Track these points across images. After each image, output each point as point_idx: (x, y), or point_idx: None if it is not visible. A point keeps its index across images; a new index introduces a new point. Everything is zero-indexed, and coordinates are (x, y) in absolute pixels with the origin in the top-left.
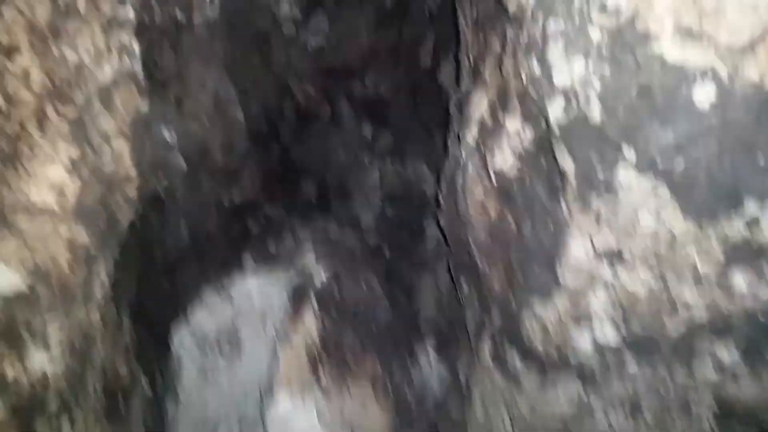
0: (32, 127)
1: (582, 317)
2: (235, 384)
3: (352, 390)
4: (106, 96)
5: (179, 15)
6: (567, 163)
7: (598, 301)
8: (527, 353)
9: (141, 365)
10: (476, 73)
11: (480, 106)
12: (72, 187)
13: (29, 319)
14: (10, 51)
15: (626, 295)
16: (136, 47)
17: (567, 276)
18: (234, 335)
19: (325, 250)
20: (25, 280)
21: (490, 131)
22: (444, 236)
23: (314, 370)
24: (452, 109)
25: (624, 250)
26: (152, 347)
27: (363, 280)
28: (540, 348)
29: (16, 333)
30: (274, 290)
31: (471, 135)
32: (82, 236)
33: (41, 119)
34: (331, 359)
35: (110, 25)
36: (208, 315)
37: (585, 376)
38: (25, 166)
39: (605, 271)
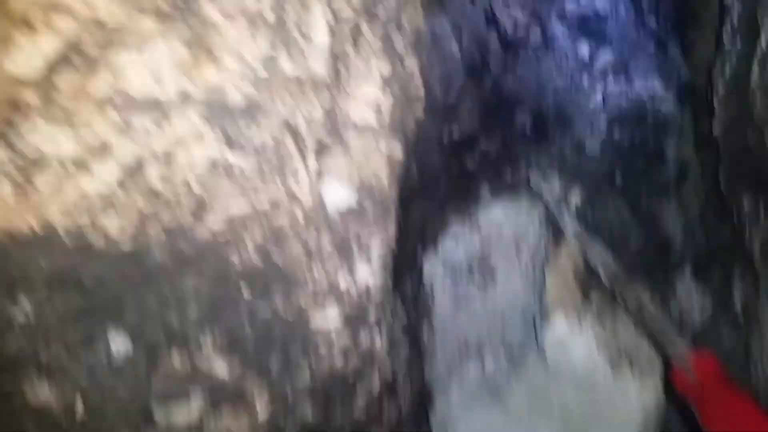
0: (350, 48)
1: None
2: (490, 310)
3: (622, 317)
4: (396, 14)
5: None
6: None
7: None
8: None
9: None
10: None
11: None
12: (386, 104)
13: (359, 233)
14: None
15: None
16: None
17: None
18: (485, 263)
19: (566, 171)
20: (354, 196)
21: None
22: (708, 151)
23: (585, 294)
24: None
25: None
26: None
27: (611, 205)
28: None
29: (347, 246)
30: (522, 218)
31: None
32: (398, 152)
33: (356, 38)
34: (597, 283)
35: None
36: (455, 245)
37: None
38: (347, 87)
39: None
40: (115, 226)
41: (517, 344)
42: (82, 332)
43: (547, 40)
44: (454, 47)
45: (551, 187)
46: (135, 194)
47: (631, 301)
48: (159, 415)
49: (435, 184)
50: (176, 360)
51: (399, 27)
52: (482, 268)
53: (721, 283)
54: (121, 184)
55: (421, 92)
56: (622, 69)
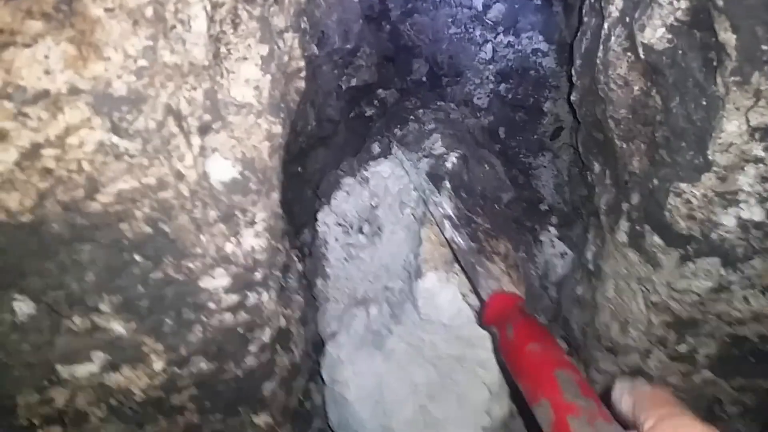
0: (228, 29)
1: (729, 194)
2: (377, 261)
3: (487, 266)
4: None
5: None
6: (727, 36)
7: (747, 178)
8: (667, 232)
9: (292, 246)
10: None
11: None
12: (265, 82)
13: (242, 201)
14: None
15: None
16: None
17: (717, 154)
18: (374, 218)
19: (448, 131)
20: (237, 168)
21: (638, 2)
22: (573, 114)
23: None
24: None
25: None
26: (297, 231)
27: (485, 161)
28: (682, 226)
29: (232, 214)
30: (407, 174)
31: (615, 7)
32: (276, 127)
33: (235, 21)
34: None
35: None
36: (347, 198)
37: (727, 253)
38: (226, 67)
39: (757, 147)
40: (15, 200)
41: (397, 295)
42: None
43: None
44: None
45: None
46: (32, 173)
47: (456, 246)
48: (63, 372)
49: (334, 131)
50: (77, 321)
51: (278, 2)
52: (370, 221)
53: (580, 238)
54: (19, 165)
55: (301, 63)
56: (511, 22)
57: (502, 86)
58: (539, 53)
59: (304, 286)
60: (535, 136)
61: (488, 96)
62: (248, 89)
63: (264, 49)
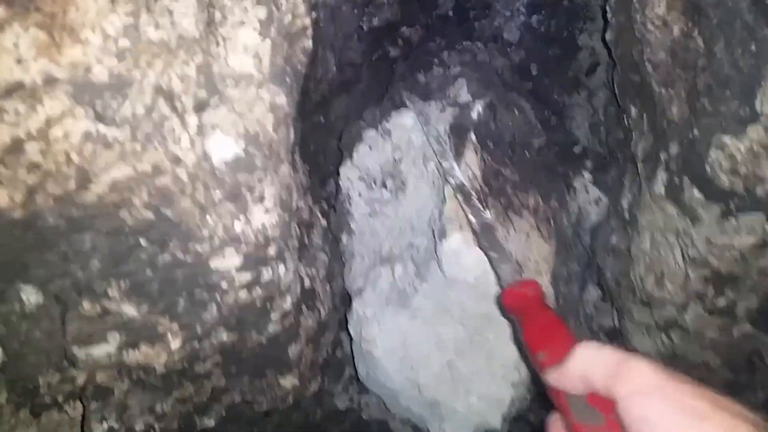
0: None
1: None
2: (401, 216)
3: (516, 223)
4: None
5: None
6: None
7: None
8: (708, 185)
9: (315, 201)
10: None
11: None
12: (264, 48)
13: (248, 179)
14: None
15: None
16: None
17: (766, 105)
18: (397, 171)
19: (475, 75)
20: (241, 145)
21: None
22: (609, 53)
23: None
24: None
25: None
26: (322, 183)
27: (515, 105)
28: (724, 180)
29: (238, 193)
30: (432, 125)
31: None
32: (281, 97)
33: None
34: (494, 194)
35: None
36: (369, 152)
37: None
38: (221, 34)
39: None
40: (3, 197)
41: (423, 252)
42: None
43: None
44: None
45: (455, 92)
46: (18, 168)
47: (476, 225)
48: (79, 355)
49: (357, 75)
50: (87, 306)
51: None
52: (394, 176)
53: (615, 183)
54: (2, 161)
55: (307, 21)
56: None
57: (534, 20)
58: None
59: (330, 241)
60: (570, 73)
61: (518, 31)
62: (247, 57)
63: (262, 12)
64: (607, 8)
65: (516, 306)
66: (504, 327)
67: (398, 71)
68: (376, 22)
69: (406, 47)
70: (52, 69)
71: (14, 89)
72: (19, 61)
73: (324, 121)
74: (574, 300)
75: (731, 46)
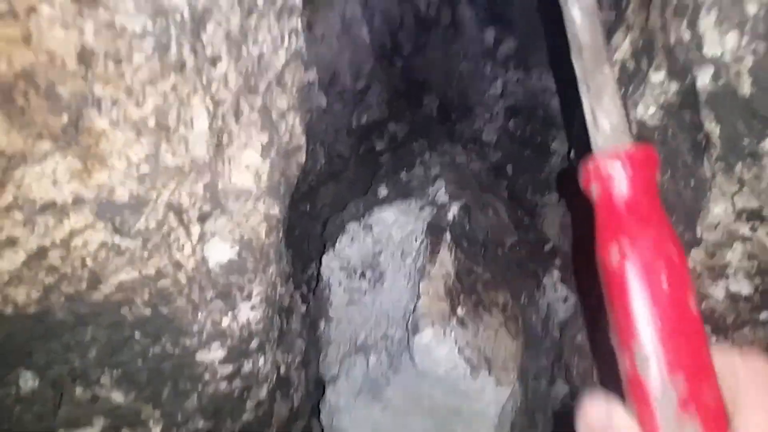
0: (231, 120)
1: (717, 268)
2: (378, 307)
3: (485, 319)
4: (280, 78)
5: None
6: (712, 126)
7: (735, 255)
8: None
9: (296, 287)
10: (617, 7)
11: (621, 47)
12: (264, 168)
13: (239, 279)
14: (213, 60)
15: (762, 249)
16: (301, 25)
17: (705, 232)
18: (376, 264)
19: (453, 177)
20: (235, 250)
21: (632, 76)
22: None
23: (452, 303)
24: None
25: (764, 210)
26: (303, 269)
27: (490, 206)
28: None
29: (228, 292)
30: (410, 223)
31: None
32: (274, 208)
33: (237, 112)
34: (465, 291)
35: (281, 13)
36: (350, 243)
37: (716, 322)
38: (227, 155)
39: (743, 227)
40: (22, 294)
41: (396, 344)
42: None
43: (456, 22)
44: (364, 32)
45: (434, 192)
46: (38, 270)
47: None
48: None
49: (344, 166)
50: (79, 392)
51: (281, 85)
52: (373, 268)
53: (583, 283)
54: (26, 264)
55: (302, 141)
56: (522, 58)
57: (512, 123)
58: (547, 92)
59: (308, 327)
60: (543, 174)
61: (496, 133)
62: (248, 175)
63: (264, 137)
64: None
65: (604, 190)
66: (471, 421)
67: (384, 167)
68: (364, 119)
69: (392, 142)
70: (81, 190)
71: (47, 207)
72: (54, 183)
73: (310, 209)
74: (543, 395)
75: (675, 179)
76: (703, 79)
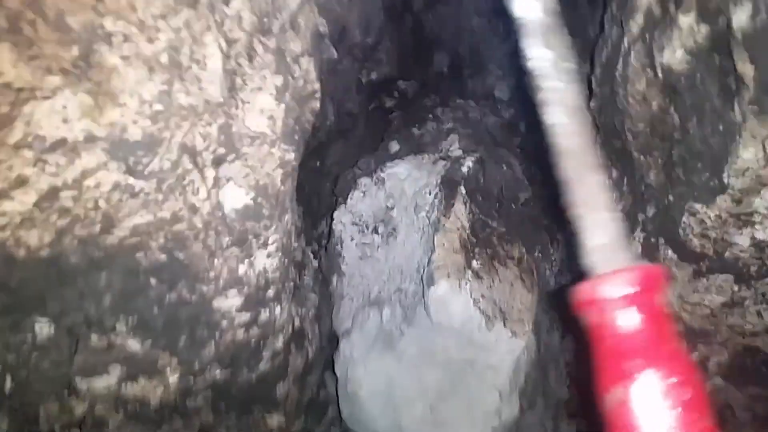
0: (244, 62)
1: (744, 216)
2: (391, 261)
3: (500, 272)
4: (294, 20)
5: None
6: (746, 67)
7: (762, 202)
8: (682, 247)
9: (308, 243)
10: None
11: None
12: (279, 112)
13: (255, 226)
14: None
15: None
16: None
17: (733, 178)
18: (389, 219)
19: (466, 131)
20: (250, 196)
21: (658, 22)
22: (594, 119)
23: (466, 256)
24: None
25: None
26: (313, 225)
27: (504, 161)
28: (695, 244)
29: (245, 239)
30: (423, 177)
31: (635, 23)
32: (290, 154)
33: (251, 54)
34: (480, 244)
35: None
36: (363, 198)
37: (740, 270)
38: (241, 98)
39: None
40: (34, 237)
41: (410, 297)
42: (10, 322)
43: None
44: None
45: (447, 147)
46: (51, 212)
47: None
48: (81, 386)
49: (353, 124)
50: (95, 340)
51: (295, 29)
52: (386, 223)
53: None
54: (38, 205)
55: (317, 86)
56: None
57: (524, 80)
58: None
59: (320, 282)
60: None
61: (509, 89)
62: (263, 119)
63: (279, 80)
64: (593, 79)
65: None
66: (485, 373)
67: (394, 122)
68: (374, 75)
69: (402, 100)
70: (93, 128)
71: (58, 145)
72: (65, 121)
73: (320, 165)
74: (555, 348)
75: (702, 124)
76: (740, 17)
